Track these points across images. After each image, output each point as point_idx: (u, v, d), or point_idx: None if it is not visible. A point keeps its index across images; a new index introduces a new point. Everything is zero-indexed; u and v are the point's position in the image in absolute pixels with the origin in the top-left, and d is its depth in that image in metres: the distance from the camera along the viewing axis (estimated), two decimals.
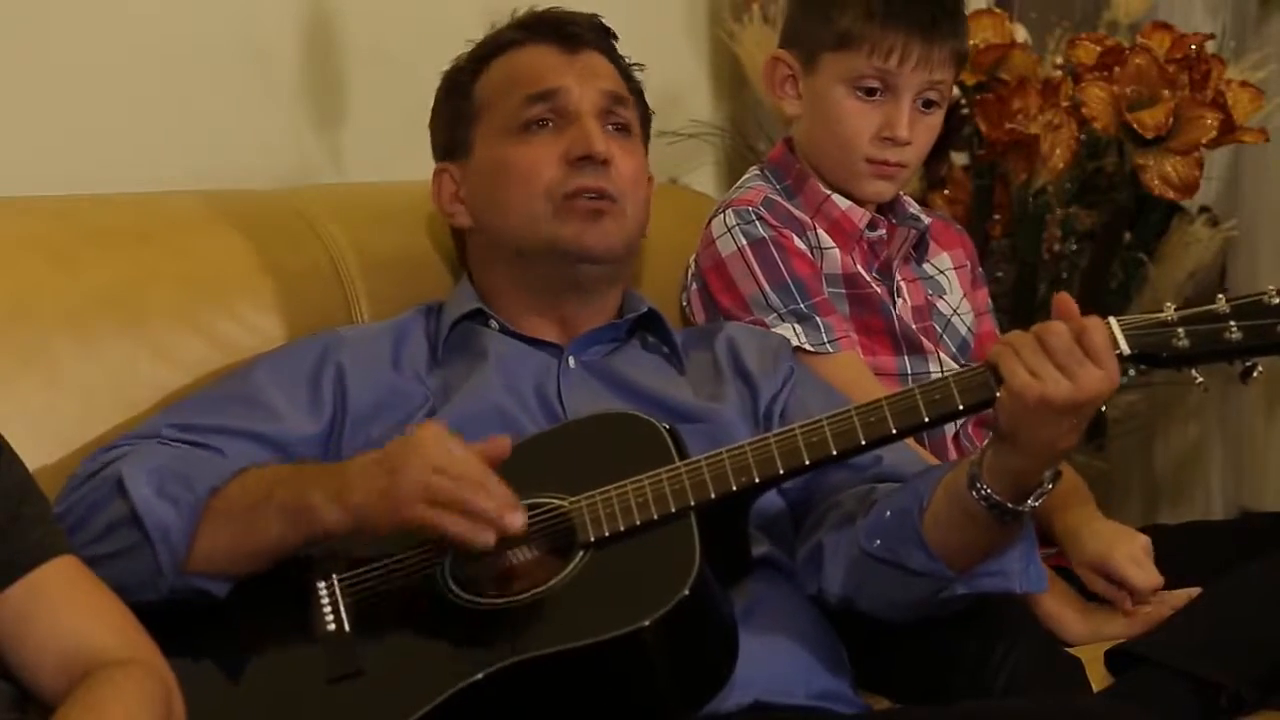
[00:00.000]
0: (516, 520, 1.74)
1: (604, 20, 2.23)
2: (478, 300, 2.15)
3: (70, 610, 1.69)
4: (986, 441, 1.81)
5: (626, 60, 2.24)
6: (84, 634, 1.68)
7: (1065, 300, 1.78)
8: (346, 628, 1.80)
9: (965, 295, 2.47)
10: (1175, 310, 1.75)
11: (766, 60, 2.42)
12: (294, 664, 1.81)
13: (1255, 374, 1.76)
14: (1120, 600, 2.16)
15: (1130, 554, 2.16)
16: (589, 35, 2.19)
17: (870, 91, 2.32)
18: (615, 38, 2.23)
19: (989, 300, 2.54)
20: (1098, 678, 2.01)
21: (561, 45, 2.17)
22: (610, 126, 2.14)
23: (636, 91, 2.23)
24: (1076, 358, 1.73)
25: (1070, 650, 2.07)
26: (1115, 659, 2.03)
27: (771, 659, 1.88)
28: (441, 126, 2.24)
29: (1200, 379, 1.77)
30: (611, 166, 2.10)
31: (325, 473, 1.84)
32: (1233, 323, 1.74)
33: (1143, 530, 2.25)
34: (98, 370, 2.09)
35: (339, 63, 2.67)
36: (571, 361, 2.11)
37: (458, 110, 2.21)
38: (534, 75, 2.15)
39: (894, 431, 1.80)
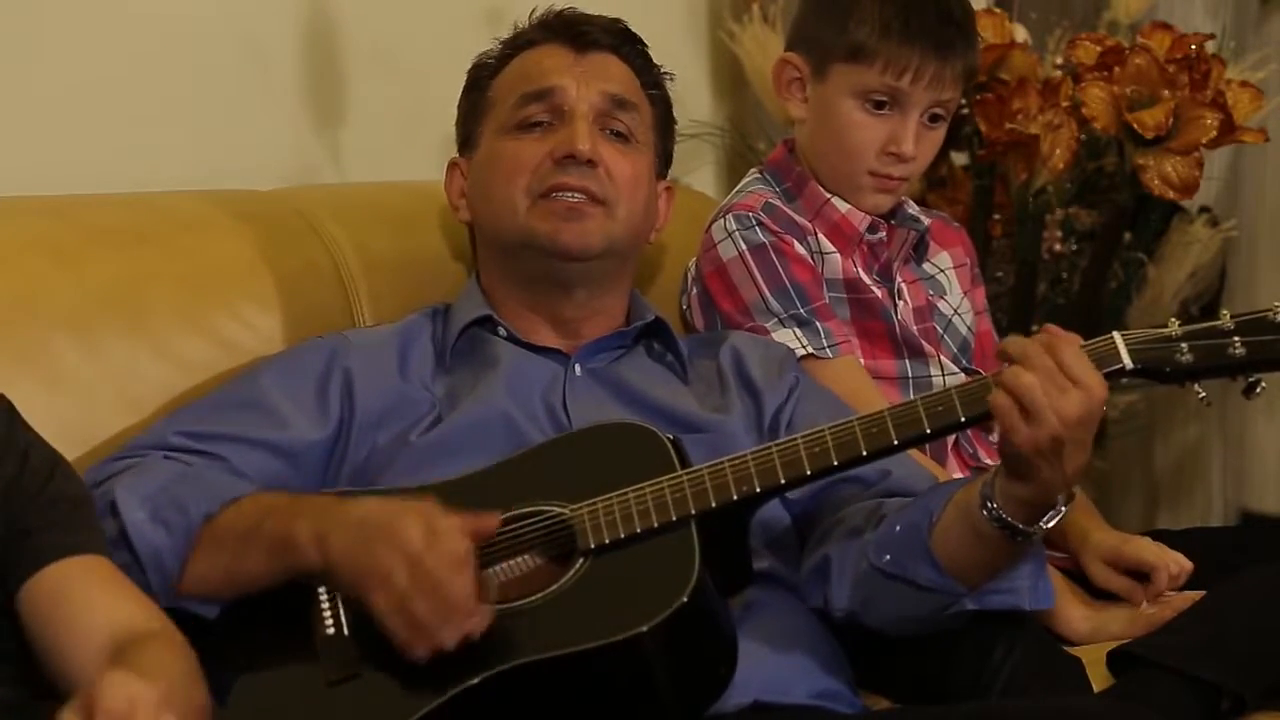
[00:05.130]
0: (451, 639, 1.70)
1: (626, 25, 2.23)
2: (485, 305, 2.15)
3: (109, 592, 1.72)
4: (998, 465, 1.80)
5: (656, 68, 2.24)
6: (119, 611, 1.71)
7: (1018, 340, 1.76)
8: (346, 631, 1.80)
9: (965, 294, 2.47)
10: (1179, 325, 1.75)
11: (776, 61, 2.42)
12: (293, 667, 1.81)
13: (1259, 390, 1.75)
14: (1135, 592, 2.16)
15: (1147, 544, 2.17)
16: (603, 37, 2.19)
17: (879, 105, 2.31)
18: (638, 43, 2.23)
19: (985, 300, 2.53)
20: (1099, 678, 2.01)
21: (572, 45, 2.18)
22: (607, 131, 2.14)
23: (657, 100, 2.23)
24: (1058, 383, 1.72)
25: (1070, 650, 2.07)
26: (1117, 660, 2.03)
27: (770, 659, 1.87)
28: (461, 118, 2.25)
29: (1203, 394, 1.77)
30: (599, 168, 2.10)
31: (317, 510, 1.82)
32: (1236, 339, 1.73)
33: (1144, 535, 2.25)
34: (99, 370, 2.10)
35: (339, 63, 2.67)
36: (578, 369, 2.11)
37: (474, 104, 2.22)
38: (536, 74, 2.16)
39: (895, 443, 1.80)
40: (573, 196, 2.09)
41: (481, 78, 2.23)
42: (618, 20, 2.23)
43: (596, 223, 2.10)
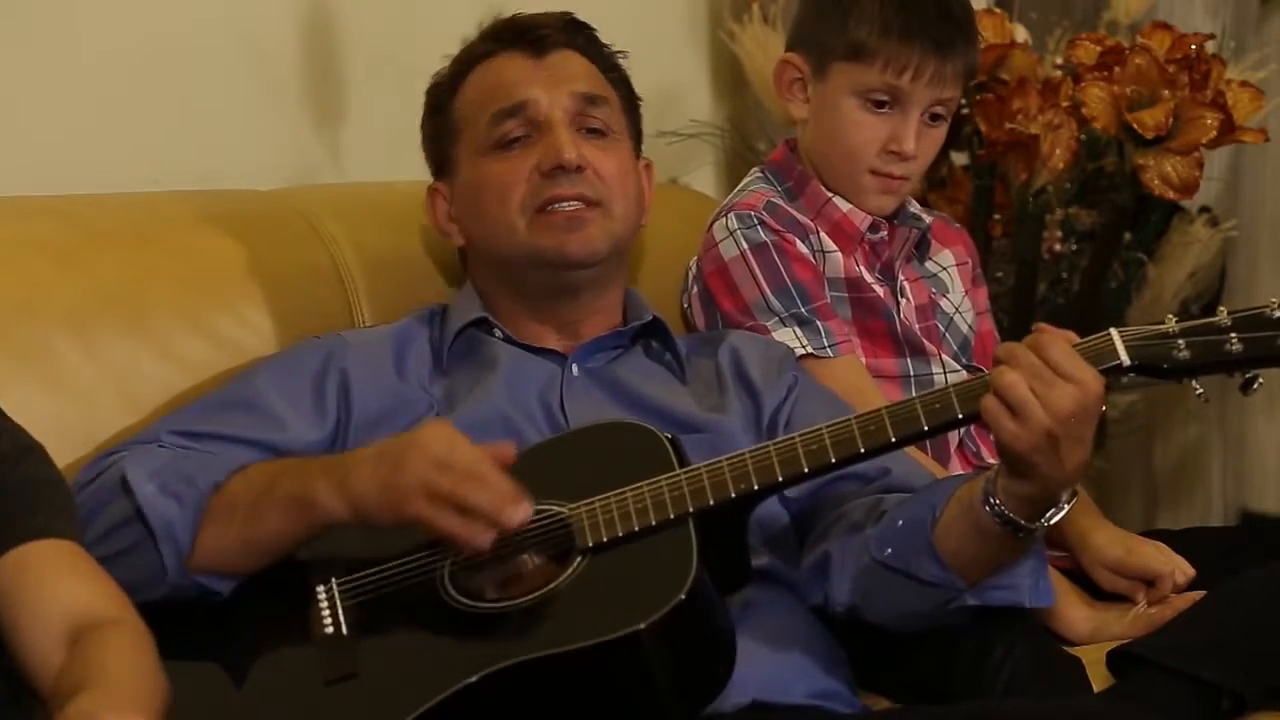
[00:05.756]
0: (516, 515, 1.73)
1: (576, 16, 2.21)
2: (482, 309, 2.15)
3: (68, 576, 1.72)
4: (999, 463, 1.81)
5: (608, 49, 2.22)
6: (77, 597, 1.70)
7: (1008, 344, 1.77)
8: (344, 630, 1.80)
9: (966, 293, 2.47)
10: (1177, 322, 1.75)
11: (777, 61, 2.42)
12: (291, 666, 1.81)
13: (1256, 386, 1.75)
14: (1138, 592, 2.16)
15: (1151, 552, 2.17)
16: (558, 36, 2.17)
17: (880, 104, 2.31)
18: (589, 30, 2.21)
19: (987, 300, 2.54)
20: (1099, 678, 2.01)
21: (529, 51, 2.16)
22: (584, 130, 2.13)
23: (619, 82, 2.21)
24: (1045, 378, 1.72)
25: (1070, 650, 2.07)
26: (1117, 660, 2.03)
27: (769, 658, 1.88)
28: (429, 143, 2.24)
29: (1200, 390, 1.77)
30: (588, 171, 2.10)
31: (328, 464, 1.84)
32: (1234, 335, 1.73)
33: (1144, 535, 2.25)
34: (99, 370, 2.10)
35: (339, 63, 2.67)
36: (575, 369, 2.11)
37: (440, 128, 2.20)
38: (503, 89, 2.14)
39: (893, 440, 1.80)
40: (569, 205, 2.09)
41: (441, 99, 2.21)
42: (565, 13, 2.21)
43: (597, 226, 2.10)
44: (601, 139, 2.15)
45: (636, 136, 2.24)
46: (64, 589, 1.71)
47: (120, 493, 1.88)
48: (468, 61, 2.20)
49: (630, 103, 2.24)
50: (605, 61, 2.21)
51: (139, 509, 1.86)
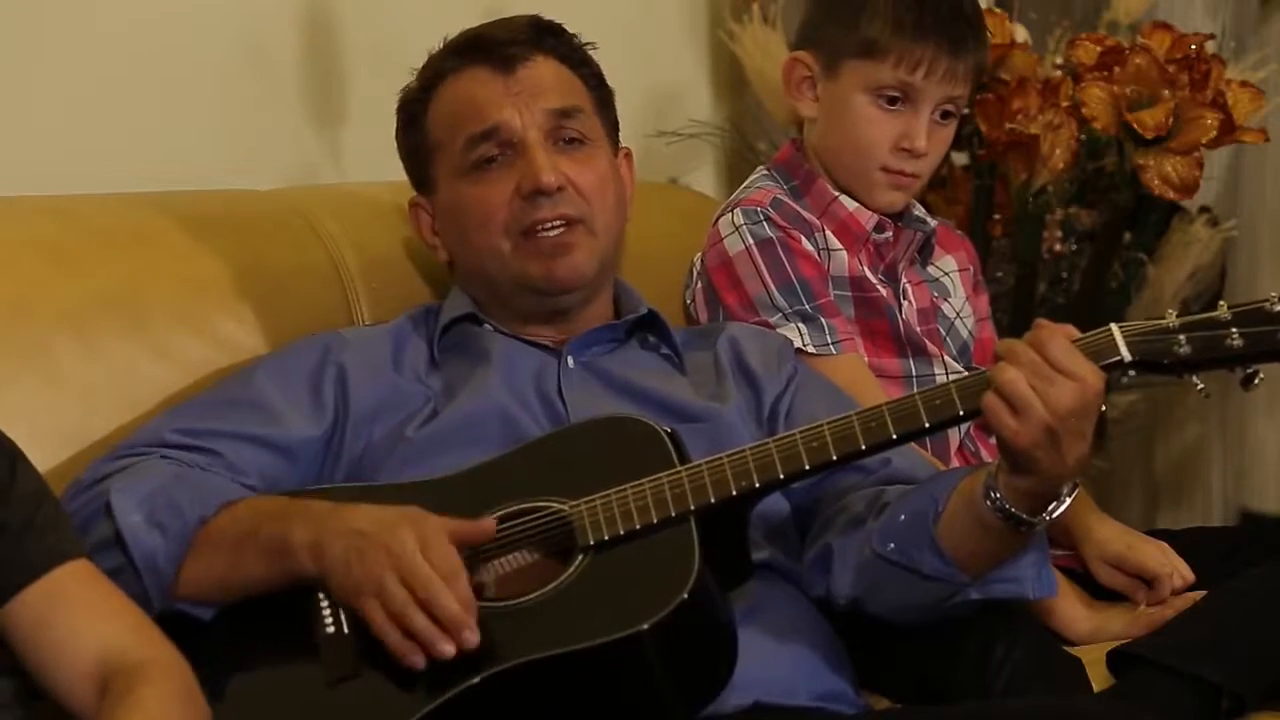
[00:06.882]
0: (449, 649, 1.71)
1: (537, 16, 2.17)
2: (471, 306, 2.15)
3: (87, 612, 1.71)
4: (1000, 458, 1.80)
5: (578, 43, 2.18)
6: (102, 636, 1.70)
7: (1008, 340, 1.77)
8: (345, 630, 1.80)
9: (968, 299, 2.48)
10: (1177, 317, 1.75)
11: (785, 60, 2.42)
12: (293, 667, 1.81)
13: (1256, 381, 1.75)
14: (1137, 591, 2.16)
15: (1152, 551, 2.17)
16: (524, 49, 2.13)
17: (891, 100, 2.32)
18: (556, 30, 2.17)
19: (988, 307, 2.54)
20: (1099, 678, 2.01)
21: (497, 68, 2.12)
22: (561, 142, 2.11)
23: (590, 78, 2.18)
24: (1045, 375, 1.72)
25: (1071, 650, 2.07)
26: (1117, 660, 2.03)
27: (772, 660, 1.87)
28: (405, 157, 2.21)
29: (1201, 385, 1.77)
30: (568, 189, 2.08)
31: (311, 517, 1.82)
32: (1234, 330, 1.73)
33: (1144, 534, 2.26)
34: (98, 370, 2.09)
35: (339, 63, 2.67)
36: (570, 361, 2.11)
37: (416, 144, 2.18)
38: (474, 111, 2.11)
39: (894, 437, 1.80)
40: (553, 229, 2.08)
41: (414, 115, 2.18)
42: (530, 18, 2.17)
43: (584, 249, 2.09)
44: (579, 148, 2.12)
45: (613, 130, 2.21)
46: (92, 629, 1.70)
47: (104, 516, 1.88)
48: (434, 75, 2.17)
49: (604, 98, 2.20)
50: (574, 59, 2.17)
51: (121, 537, 1.85)
